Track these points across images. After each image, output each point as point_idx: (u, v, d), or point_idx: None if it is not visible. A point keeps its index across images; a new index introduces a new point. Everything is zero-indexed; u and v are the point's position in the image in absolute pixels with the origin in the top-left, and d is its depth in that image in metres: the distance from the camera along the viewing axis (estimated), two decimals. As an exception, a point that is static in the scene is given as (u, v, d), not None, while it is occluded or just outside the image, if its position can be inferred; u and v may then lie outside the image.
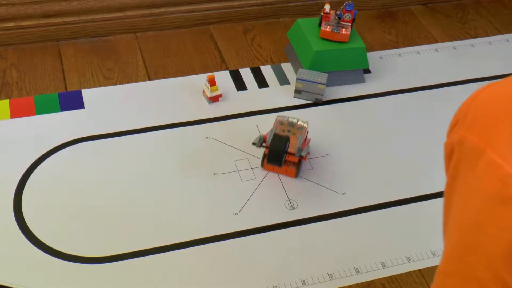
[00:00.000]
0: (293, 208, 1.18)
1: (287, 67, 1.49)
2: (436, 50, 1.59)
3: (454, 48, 1.60)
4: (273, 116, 1.35)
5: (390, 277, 1.09)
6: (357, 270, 1.09)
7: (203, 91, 1.38)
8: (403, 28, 1.66)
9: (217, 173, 1.23)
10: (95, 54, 1.48)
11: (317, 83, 1.36)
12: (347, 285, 1.07)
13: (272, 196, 1.19)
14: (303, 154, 1.17)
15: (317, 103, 1.40)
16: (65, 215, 1.13)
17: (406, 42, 1.61)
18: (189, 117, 1.34)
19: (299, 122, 1.21)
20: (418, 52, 1.57)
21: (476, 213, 0.53)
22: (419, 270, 1.10)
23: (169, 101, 1.38)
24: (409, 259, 1.11)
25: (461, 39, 1.63)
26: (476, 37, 1.64)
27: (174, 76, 1.44)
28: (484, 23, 1.70)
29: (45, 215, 1.13)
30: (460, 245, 0.55)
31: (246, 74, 1.46)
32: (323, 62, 1.41)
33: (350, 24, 1.41)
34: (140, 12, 1.54)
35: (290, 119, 1.21)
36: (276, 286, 1.05)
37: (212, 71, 1.44)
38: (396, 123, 1.38)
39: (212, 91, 1.36)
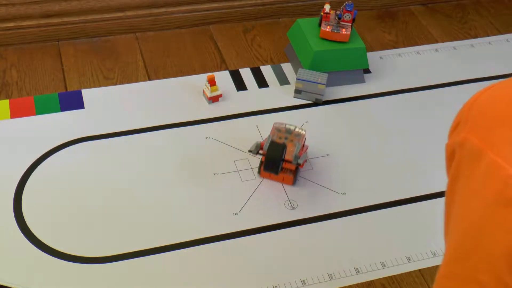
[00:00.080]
0: (293, 208, 1.18)
1: (287, 67, 1.49)
2: (436, 50, 1.59)
3: (454, 48, 1.60)
4: (273, 116, 1.36)
5: (390, 277, 1.09)
6: (357, 270, 1.09)
7: (203, 91, 1.38)
8: (403, 28, 1.66)
9: (217, 173, 1.23)
10: (95, 54, 1.48)
11: (317, 83, 1.36)
12: (347, 285, 1.07)
13: (272, 196, 1.19)
14: (300, 161, 1.16)
15: (317, 103, 1.40)
16: (65, 215, 1.13)
17: (406, 42, 1.61)
18: (189, 117, 1.34)
19: (297, 129, 1.20)
20: (418, 52, 1.57)
21: (477, 215, 0.53)
22: (419, 270, 1.10)
23: (169, 101, 1.38)
24: (409, 259, 1.11)
25: (461, 39, 1.63)
26: (476, 37, 1.64)
27: (174, 76, 1.44)
28: (484, 23, 1.70)
29: (45, 215, 1.13)
30: (461, 247, 0.55)
31: (246, 74, 1.46)
32: (323, 62, 1.41)
33: (350, 24, 1.41)
34: (140, 12, 1.54)
35: (288, 126, 1.20)
36: (276, 286, 1.05)
37: (212, 71, 1.44)
38: (396, 123, 1.38)
39: (212, 91, 1.36)
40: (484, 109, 0.55)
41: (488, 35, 1.65)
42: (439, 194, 1.20)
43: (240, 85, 1.43)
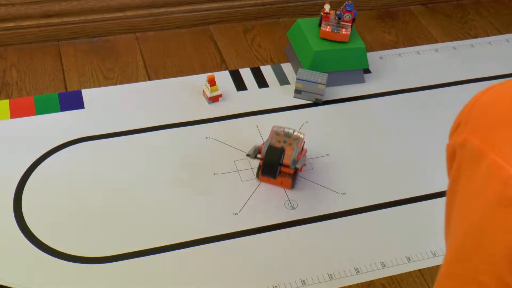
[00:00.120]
0: (293, 208, 1.18)
1: (287, 67, 1.49)
2: (436, 50, 1.59)
3: (454, 48, 1.60)
4: (273, 116, 1.36)
5: (390, 277, 1.09)
6: (357, 270, 1.09)
7: (203, 91, 1.38)
8: (403, 28, 1.66)
9: (217, 173, 1.23)
10: (95, 54, 1.48)
11: (317, 83, 1.36)
12: (347, 285, 1.07)
13: (272, 196, 1.19)
14: (298, 166, 1.15)
15: (317, 103, 1.40)
16: (65, 215, 1.13)
17: (406, 42, 1.61)
18: (189, 117, 1.34)
19: (295, 133, 1.19)
20: (418, 52, 1.57)
21: (478, 216, 0.53)
22: (419, 270, 1.10)
23: (169, 101, 1.38)
24: (409, 259, 1.11)
25: (461, 39, 1.63)
26: (476, 37, 1.64)
27: (174, 76, 1.44)
28: (484, 23, 1.70)
29: (45, 215, 1.13)
30: (462, 248, 0.55)
31: (246, 74, 1.46)
32: (323, 62, 1.41)
33: (350, 24, 1.41)
34: (140, 12, 1.54)
35: (286, 130, 1.20)
36: (276, 286, 1.05)
37: (212, 71, 1.44)
38: (396, 123, 1.38)
39: (212, 91, 1.36)
40: (485, 110, 0.55)
41: (488, 35, 1.65)
42: (439, 194, 1.20)
43: (240, 85, 1.43)
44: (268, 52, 1.53)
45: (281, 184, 1.20)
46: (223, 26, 1.60)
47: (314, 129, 1.33)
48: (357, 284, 1.07)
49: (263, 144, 1.18)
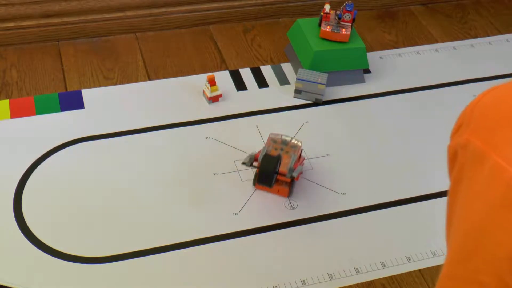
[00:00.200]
0: (293, 208, 1.18)
1: (287, 67, 1.49)
2: (436, 50, 1.59)
3: (454, 48, 1.60)
4: (273, 116, 1.36)
5: (390, 277, 1.09)
6: (357, 270, 1.09)
7: (203, 91, 1.38)
8: (403, 28, 1.66)
9: (217, 173, 1.23)
10: (95, 54, 1.48)
11: (317, 83, 1.36)
12: (347, 285, 1.07)
13: (272, 196, 1.19)
14: (294, 174, 1.13)
15: (317, 103, 1.40)
16: (65, 215, 1.13)
17: (406, 42, 1.61)
18: (189, 117, 1.34)
19: (293, 141, 1.18)
20: (418, 52, 1.57)
21: (480, 217, 0.53)
22: (419, 270, 1.10)
23: (169, 101, 1.38)
24: (409, 259, 1.11)
25: (461, 39, 1.63)
26: (476, 37, 1.64)
27: (174, 76, 1.44)
28: (484, 23, 1.70)
29: (45, 215, 1.13)
30: (463, 248, 0.55)
31: (246, 74, 1.46)
32: (323, 62, 1.41)
33: (350, 24, 1.41)
34: (140, 12, 1.54)
35: (284, 137, 1.18)
36: (276, 286, 1.05)
37: (212, 71, 1.44)
38: (396, 123, 1.38)
39: (212, 91, 1.36)
40: (487, 111, 0.55)
41: (488, 35, 1.65)
42: (439, 194, 1.20)
43: (240, 85, 1.43)
44: (268, 52, 1.54)
45: (278, 192, 1.18)
46: (223, 26, 1.60)
47: (314, 129, 1.33)
48: (357, 284, 1.07)
49: (259, 152, 1.16)
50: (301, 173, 1.20)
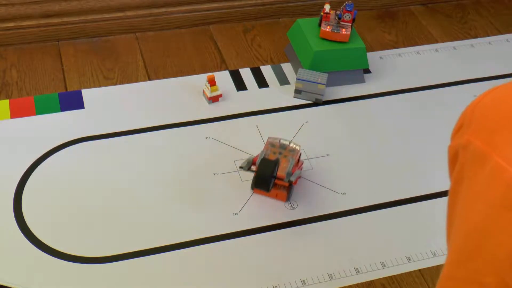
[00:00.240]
0: (293, 208, 1.18)
1: (287, 67, 1.49)
2: (436, 50, 1.59)
3: (454, 48, 1.60)
4: (273, 116, 1.36)
5: (390, 277, 1.09)
6: (357, 270, 1.09)
7: (203, 91, 1.38)
8: (403, 28, 1.66)
9: (217, 173, 1.23)
10: (95, 54, 1.48)
11: (317, 83, 1.36)
12: (347, 285, 1.07)
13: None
14: (292, 179, 1.12)
15: (317, 103, 1.40)
16: (65, 215, 1.13)
17: (406, 42, 1.61)
18: (189, 117, 1.34)
19: (291, 145, 1.16)
20: (418, 52, 1.57)
21: (481, 218, 0.53)
22: (419, 270, 1.10)
23: (169, 101, 1.38)
24: (409, 259, 1.11)
25: (461, 39, 1.63)
26: (476, 37, 1.64)
27: (174, 76, 1.44)
28: (484, 23, 1.70)
29: (45, 215, 1.13)
30: (464, 250, 0.55)
31: (246, 74, 1.46)
32: (323, 62, 1.41)
33: (350, 24, 1.41)
34: (140, 12, 1.54)
35: (282, 141, 1.17)
36: (276, 286, 1.05)
37: (212, 71, 1.44)
38: (396, 123, 1.38)
39: (212, 91, 1.36)
40: (488, 111, 0.55)
41: (488, 35, 1.65)
42: (439, 194, 1.20)
43: (240, 85, 1.43)
44: (268, 52, 1.54)
45: (276, 197, 1.17)
46: (223, 26, 1.60)
47: (314, 129, 1.33)
48: (357, 284, 1.07)
49: (257, 156, 1.15)
50: (299, 177, 1.19)
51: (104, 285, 1.04)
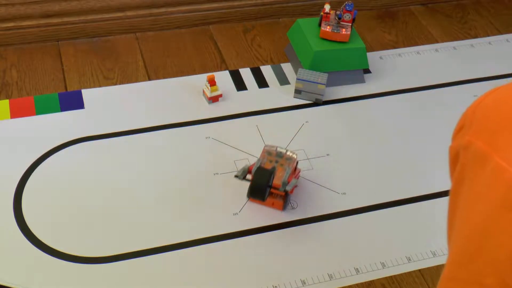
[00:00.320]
0: (293, 208, 1.18)
1: (287, 67, 1.49)
2: (436, 50, 1.59)
3: (454, 48, 1.60)
4: (273, 116, 1.36)
5: (390, 277, 1.09)
6: (357, 270, 1.09)
7: (203, 91, 1.38)
8: (403, 28, 1.66)
9: (217, 173, 1.23)
10: (95, 54, 1.48)
11: (317, 83, 1.36)
12: (347, 285, 1.07)
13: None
14: (288, 188, 1.10)
15: (317, 103, 1.40)
16: (65, 215, 1.13)
17: (406, 42, 1.61)
18: (189, 117, 1.34)
19: (288, 153, 1.14)
20: (418, 52, 1.57)
21: (482, 219, 0.52)
22: (419, 270, 1.10)
23: (169, 101, 1.38)
24: (409, 259, 1.11)
25: (461, 39, 1.63)
26: (476, 37, 1.64)
27: (174, 76, 1.44)
28: (484, 23, 1.70)
29: (45, 215, 1.13)
30: (465, 250, 0.55)
31: (246, 74, 1.46)
32: (323, 62, 1.41)
33: (350, 24, 1.41)
34: (140, 12, 1.54)
35: (279, 149, 1.15)
36: (276, 286, 1.05)
37: (212, 71, 1.44)
38: (396, 123, 1.38)
39: (212, 91, 1.36)
40: (489, 112, 0.54)
41: (488, 35, 1.65)
42: (439, 194, 1.21)
43: (240, 85, 1.43)
44: (268, 52, 1.54)
45: (273, 205, 1.16)
46: (223, 26, 1.60)
47: (314, 129, 1.33)
48: (357, 284, 1.07)
49: (253, 164, 1.14)
50: (296, 186, 1.17)
51: (104, 285, 1.04)
